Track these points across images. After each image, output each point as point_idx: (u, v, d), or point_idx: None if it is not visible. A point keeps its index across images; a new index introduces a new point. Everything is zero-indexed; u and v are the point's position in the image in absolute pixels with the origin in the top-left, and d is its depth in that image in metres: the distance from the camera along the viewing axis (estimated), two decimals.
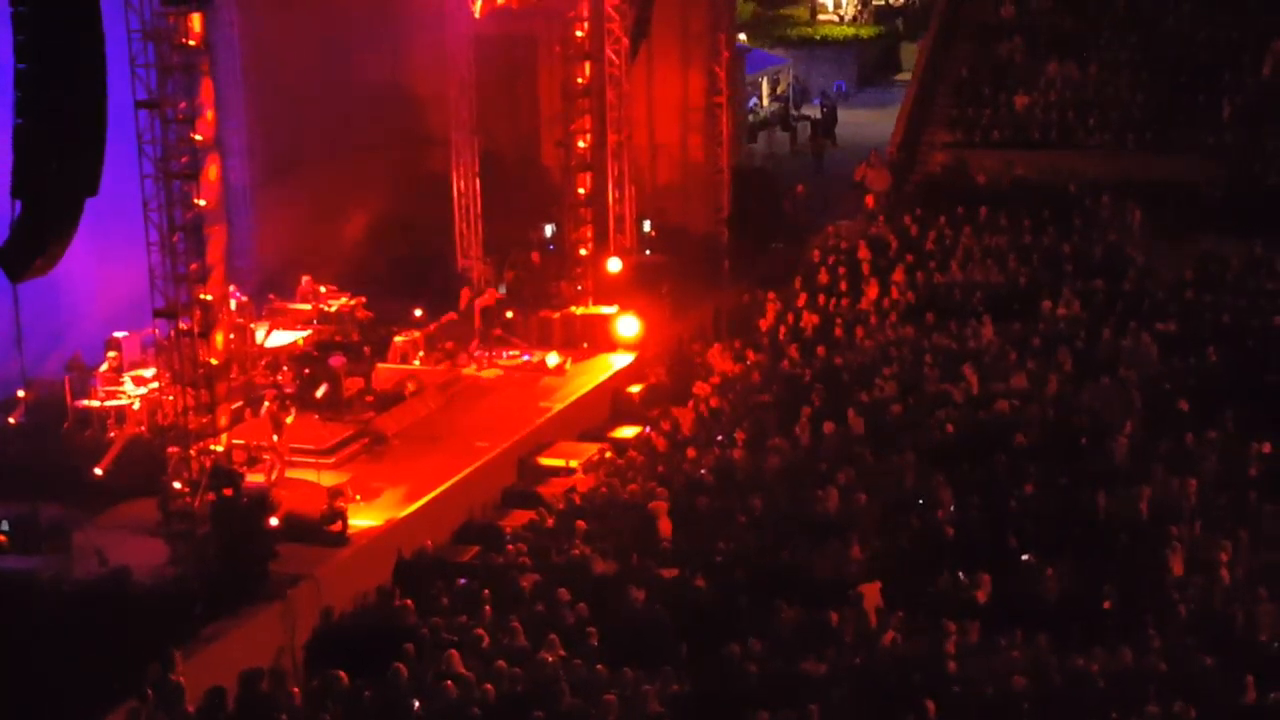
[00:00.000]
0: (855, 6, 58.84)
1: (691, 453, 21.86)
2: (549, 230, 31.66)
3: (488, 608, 17.36)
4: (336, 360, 23.69)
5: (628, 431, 24.34)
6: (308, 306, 26.30)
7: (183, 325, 18.00)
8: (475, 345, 26.61)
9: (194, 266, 17.98)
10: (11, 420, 21.85)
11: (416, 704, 14.91)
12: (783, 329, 26.83)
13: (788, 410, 22.59)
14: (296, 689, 15.71)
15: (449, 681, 15.03)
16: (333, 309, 26.39)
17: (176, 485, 18.25)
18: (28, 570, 17.68)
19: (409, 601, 17.71)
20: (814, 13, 58.30)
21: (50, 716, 14.94)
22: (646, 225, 32.08)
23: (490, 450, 22.53)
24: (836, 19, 58.29)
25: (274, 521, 18.84)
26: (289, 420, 21.18)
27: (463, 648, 15.96)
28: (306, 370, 23.82)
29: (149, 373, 21.59)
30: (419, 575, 18.96)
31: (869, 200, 32.26)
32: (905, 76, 45.80)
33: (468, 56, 28.12)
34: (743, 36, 45.79)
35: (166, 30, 17.56)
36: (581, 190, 28.88)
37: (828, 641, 15.84)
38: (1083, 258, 28.07)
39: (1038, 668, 14.89)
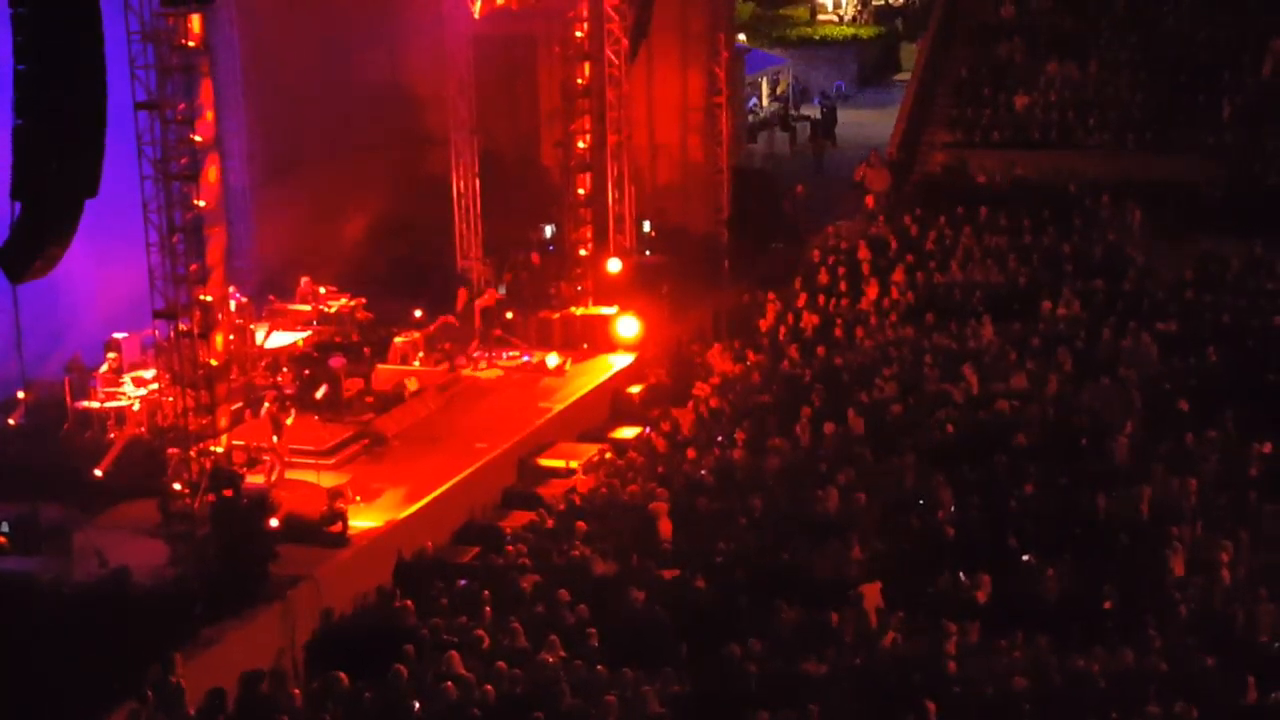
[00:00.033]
0: (855, 7, 58.88)
1: (691, 453, 21.86)
2: (549, 231, 31.67)
3: (488, 609, 17.35)
4: (336, 361, 23.69)
5: (628, 432, 24.33)
6: (307, 307, 26.30)
7: (182, 326, 17.99)
8: (475, 346, 26.61)
9: (194, 267, 17.97)
10: (11, 421, 21.85)
11: (417, 705, 14.90)
12: (783, 329, 26.83)
13: (788, 411, 22.58)
14: (297, 690, 15.71)
15: (449, 682, 15.02)
16: (332, 310, 26.39)
17: (176, 486, 18.25)
18: (28, 571, 17.67)
19: (409, 602, 17.69)
20: (814, 13, 58.33)
21: (50, 718, 14.92)
22: (646, 226, 32.08)
23: (490, 451, 22.52)
24: (836, 19, 58.33)
25: (274, 522, 18.84)
26: (289, 421, 21.17)
27: (463, 649, 15.95)
28: (306, 371, 23.82)
29: (149, 374, 21.59)
30: (419, 576, 18.95)
31: (869, 200, 32.25)
32: (905, 77, 45.79)
33: (467, 57, 28.12)
34: (742, 37, 45.81)
35: (166, 31, 17.56)
36: (581, 191, 28.90)
37: (828, 642, 15.83)
38: (1083, 258, 28.07)
39: (1038, 668, 14.88)
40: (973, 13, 37.28)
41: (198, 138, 17.86)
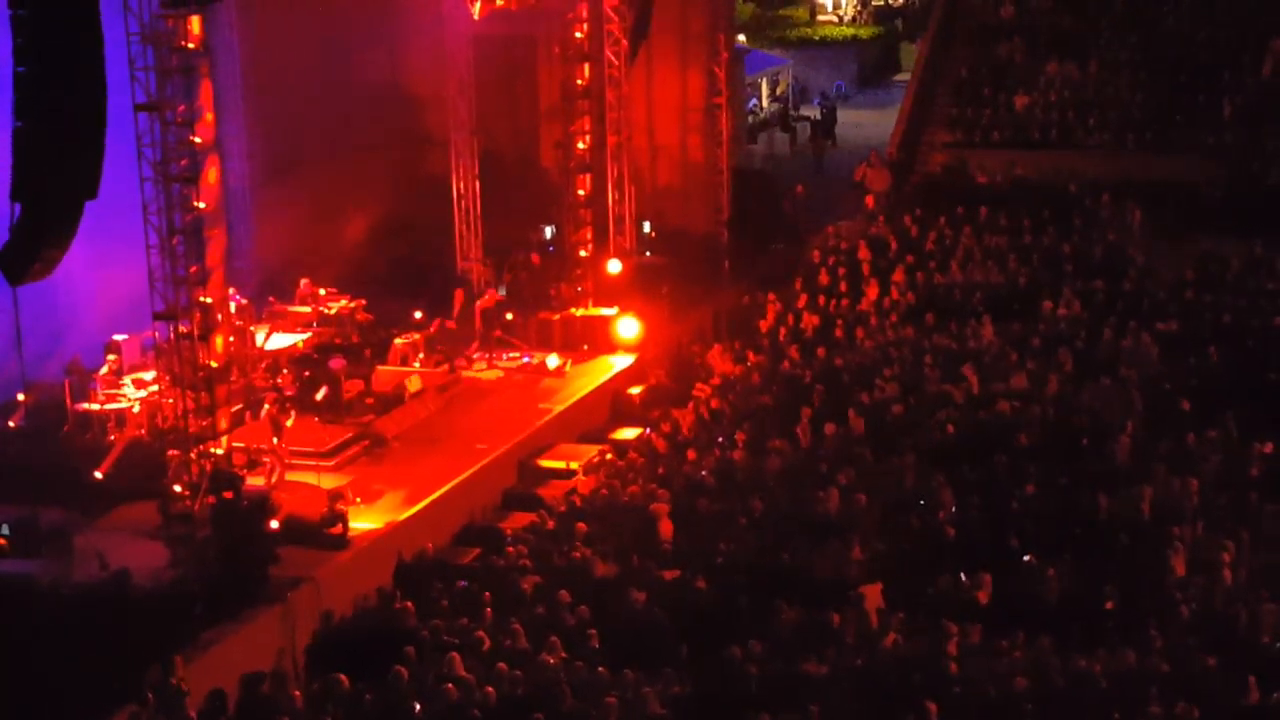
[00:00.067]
0: (854, 7, 58.89)
1: (692, 454, 21.84)
2: (549, 232, 31.68)
3: (488, 610, 17.33)
4: (336, 363, 23.69)
5: (628, 433, 24.33)
6: (307, 309, 26.29)
7: (182, 328, 18.01)
8: (475, 347, 26.61)
9: (193, 269, 17.99)
10: (11, 423, 21.84)
11: (417, 707, 14.88)
12: (783, 330, 26.82)
13: (788, 411, 22.56)
14: (297, 692, 15.70)
15: (450, 684, 15.00)
16: (332, 311, 26.38)
17: (177, 488, 18.26)
18: (28, 573, 17.66)
19: (409, 604, 17.66)
20: (813, 13, 58.34)
21: None
22: (646, 226, 32.09)
23: (490, 452, 22.51)
24: (836, 19, 58.34)
25: (274, 524, 18.83)
26: (289, 423, 21.19)
27: (463, 650, 15.93)
28: (306, 373, 23.81)
29: (149, 376, 21.58)
30: (419, 578, 18.93)
31: (869, 201, 32.25)
32: (905, 77, 45.79)
33: (467, 57, 28.13)
34: (742, 37, 45.81)
35: (165, 33, 17.57)
36: (581, 192, 28.90)
37: (829, 643, 15.80)
38: (1083, 258, 28.05)
39: (1039, 669, 14.85)
40: (973, 13, 37.29)
41: (197, 139, 17.88)
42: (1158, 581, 16.80)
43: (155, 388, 20.98)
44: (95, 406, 21.56)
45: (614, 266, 28.99)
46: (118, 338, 22.24)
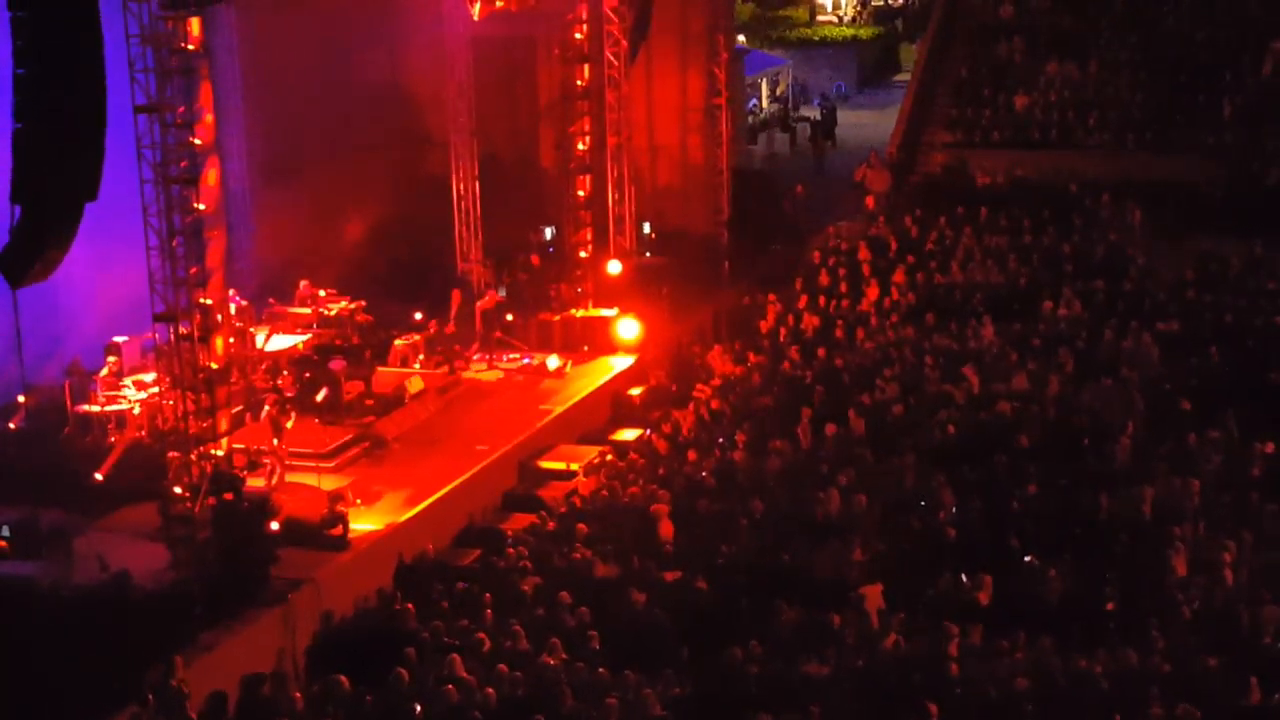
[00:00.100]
0: (854, 7, 58.89)
1: (692, 455, 21.84)
2: (549, 233, 31.67)
3: (489, 611, 17.33)
4: (336, 364, 23.69)
5: (628, 434, 24.32)
6: (307, 310, 26.29)
7: (182, 330, 17.99)
8: (475, 348, 26.60)
9: (193, 271, 17.97)
10: (12, 425, 21.83)
11: (418, 708, 14.88)
12: (783, 331, 26.81)
13: (788, 412, 22.55)
14: (298, 693, 15.70)
15: (450, 685, 15.00)
16: (332, 313, 26.39)
17: (177, 490, 18.23)
18: (28, 575, 17.65)
19: (410, 605, 17.67)
20: (813, 14, 58.32)
21: None
22: (646, 227, 32.07)
23: (491, 453, 22.50)
24: (836, 20, 58.33)
25: (274, 526, 18.83)
26: (289, 424, 21.16)
27: (464, 651, 15.93)
28: (307, 374, 23.81)
29: (149, 377, 21.58)
30: (420, 579, 18.93)
31: (869, 201, 32.25)
32: (905, 77, 45.83)
33: (466, 59, 28.12)
34: (742, 38, 45.82)
35: (165, 34, 17.55)
36: (581, 192, 28.89)
37: (829, 643, 15.80)
38: (1083, 258, 28.05)
39: (1040, 669, 14.85)
40: (973, 13, 37.29)
41: (197, 141, 17.86)
42: (1159, 582, 16.79)
43: (155, 389, 20.96)
44: (95, 408, 21.56)
45: (614, 267, 28.98)
46: (118, 339, 22.24)
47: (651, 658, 15.55)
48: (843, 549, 17.85)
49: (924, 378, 23.19)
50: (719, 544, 18.50)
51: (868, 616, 16.31)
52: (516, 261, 29.78)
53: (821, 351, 25.01)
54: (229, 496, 18.11)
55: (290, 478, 20.49)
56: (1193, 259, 27.59)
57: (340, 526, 19.40)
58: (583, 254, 28.85)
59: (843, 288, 27.83)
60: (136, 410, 21.37)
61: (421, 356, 25.57)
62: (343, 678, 15.36)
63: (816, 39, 55.51)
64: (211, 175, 18.19)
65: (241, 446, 19.94)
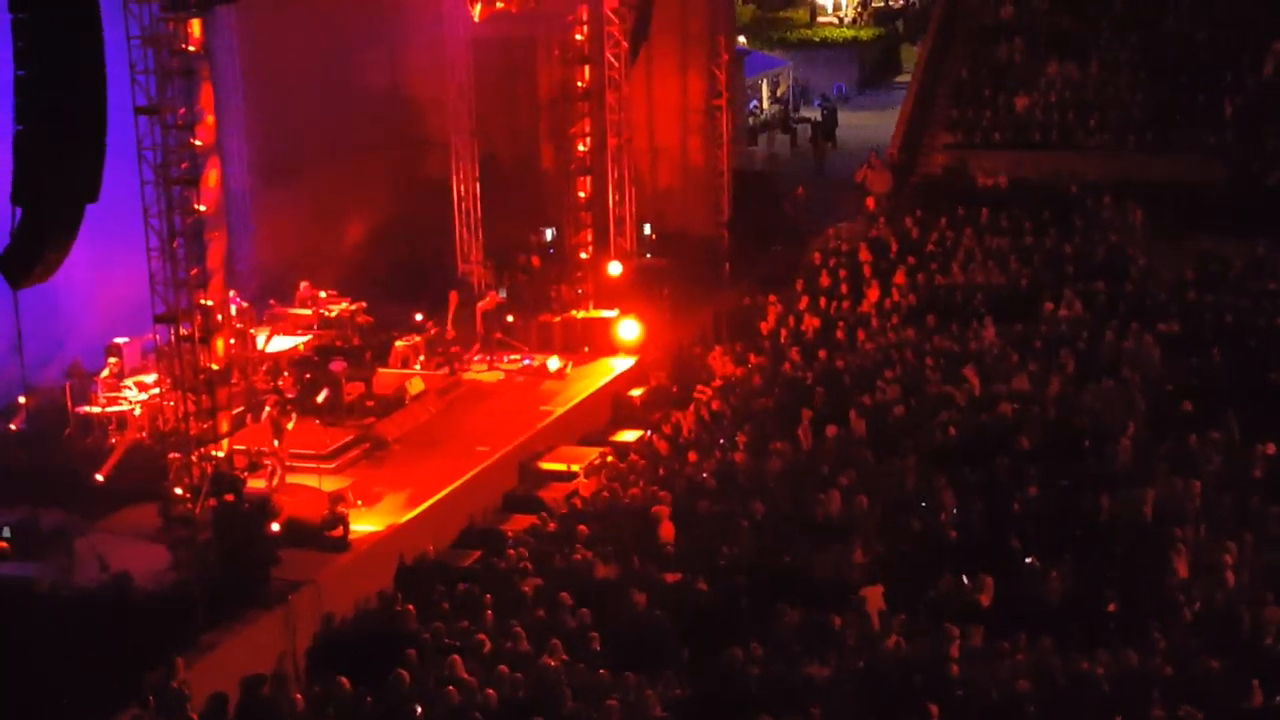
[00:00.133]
0: (855, 9, 58.92)
1: (693, 456, 21.84)
2: (549, 234, 31.68)
3: (489, 613, 17.32)
4: (337, 365, 23.68)
5: (629, 435, 24.32)
6: (308, 311, 26.29)
7: (183, 331, 17.97)
8: (476, 350, 26.59)
9: (194, 272, 17.95)
10: (12, 426, 21.83)
11: (419, 709, 14.88)
12: (784, 332, 26.81)
13: (789, 413, 22.54)
14: (298, 695, 15.70)
15: (451, 687, 15.00)
16: (333, 314, 26.38)
17: (177, 491, 18.21)
18: (29, 576, 17.64)
19: (410, 607, 17.66)
20: (814, 15, 58.40)
21: None
22: (647, 228, 32.09)
23: (491, 455, 22.49)
24: (836, 21, 58.38)
25: (275, 527, 18.81)
26: (290, 425, 21.15)
27: (465, 653, 15.93)
28: (307, 375, 23.80)
29: (150, 378, 21.58)
30: (420, 580, 18.93)
31: (870, 202, 32.24)
32: (905, 78, 45.84)
33: (466, 60, 28.10)
34: (742, 39, 45.88)
35: (166, 36, 17.54)
36: (581, 194, 28.90)
37: (830, 645, 15.79)
38: (1084, 259, 28.04)
39: (1042, 671, 14.84)
40: (973, 13, 37.29)
41: (198, 142, 17.85)
42: (1160, 583, 16.77)
43: (156, 390, 20.96)
44: (96, 409, 21.56)
45: (614, 268, 28.99)
46: (118, 341, 22.24)
47: (652, 659, 15.54)
48: (843, 550, 17.84)
49: (925, 379, 23.18)
50: (720, 545, 18.49)
51: (869, 618, 16.30)
52: (517, 263, 29.79)
53: (822, 353, 25.01)
54: (230, 498, 18.09)
55: (291, 479, 20.48)
56: (1193, 259, 27.58)
57: (341, 528, 19.39)
58: (583, 255, 28.86)
59: (843, 289, 27.82)
60: (137, 411, 21.37)
61: (422, 358, 25.58)
62: (343, 679, 15.37)
63: (817, 40, 55.57)
64: (212, 176, 18.19)
65: (242, 448, 19.92)
